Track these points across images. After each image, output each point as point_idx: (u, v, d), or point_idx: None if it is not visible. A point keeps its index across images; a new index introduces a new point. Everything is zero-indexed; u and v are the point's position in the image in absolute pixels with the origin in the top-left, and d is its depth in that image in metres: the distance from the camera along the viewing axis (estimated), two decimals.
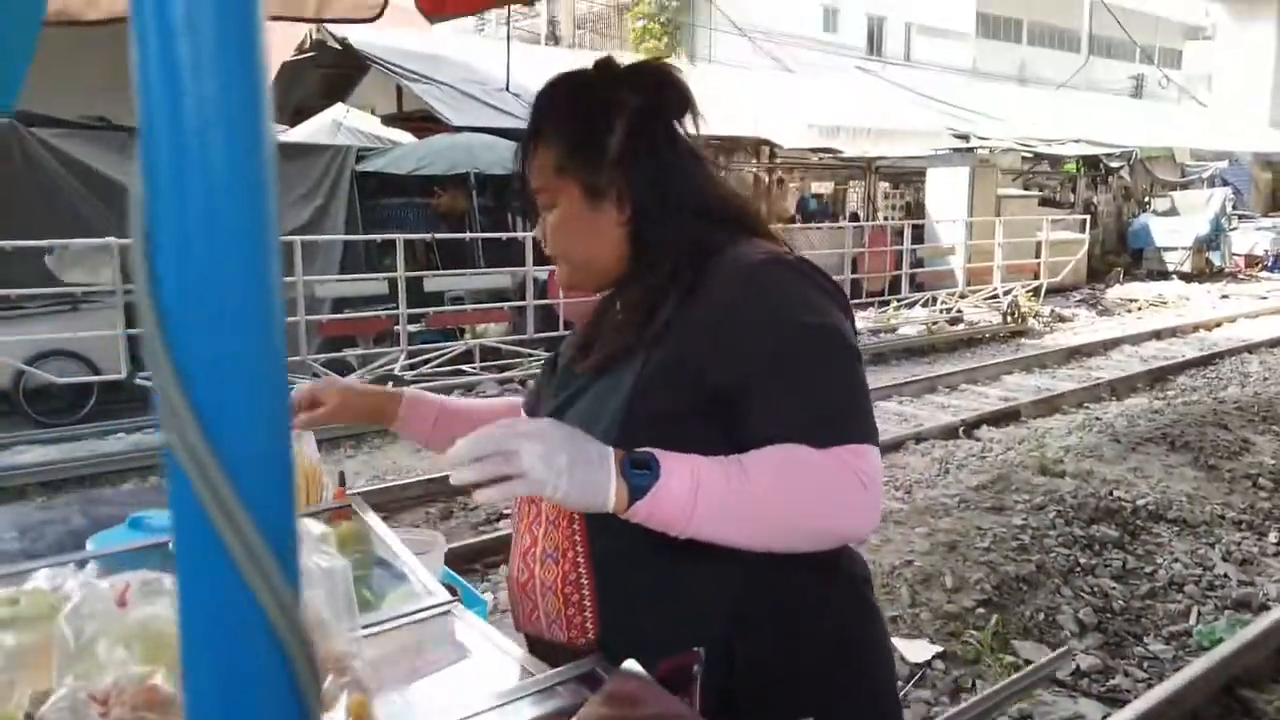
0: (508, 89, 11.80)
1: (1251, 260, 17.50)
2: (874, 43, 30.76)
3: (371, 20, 1.76)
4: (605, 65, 1.21)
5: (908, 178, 17.38)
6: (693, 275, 1.11)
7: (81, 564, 1.52)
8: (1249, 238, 17.63)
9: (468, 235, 9.34)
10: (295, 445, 1.67)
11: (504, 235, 10.08)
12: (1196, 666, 3.31)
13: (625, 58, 1.24)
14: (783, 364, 1.03)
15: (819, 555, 1.06)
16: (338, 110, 11.45)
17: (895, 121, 14.42)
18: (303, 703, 0.25)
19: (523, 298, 9.39)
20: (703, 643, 1.04)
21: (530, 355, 9.12)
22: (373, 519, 1.47)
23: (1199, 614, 3.98)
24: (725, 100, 13.31)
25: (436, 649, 1.26)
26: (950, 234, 13.77)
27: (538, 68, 12.85)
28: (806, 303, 1.07)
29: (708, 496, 0.96)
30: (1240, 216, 18.55)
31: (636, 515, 0.96)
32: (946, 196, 14.14)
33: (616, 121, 1.15)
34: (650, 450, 0.98)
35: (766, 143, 13.13)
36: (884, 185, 16.55)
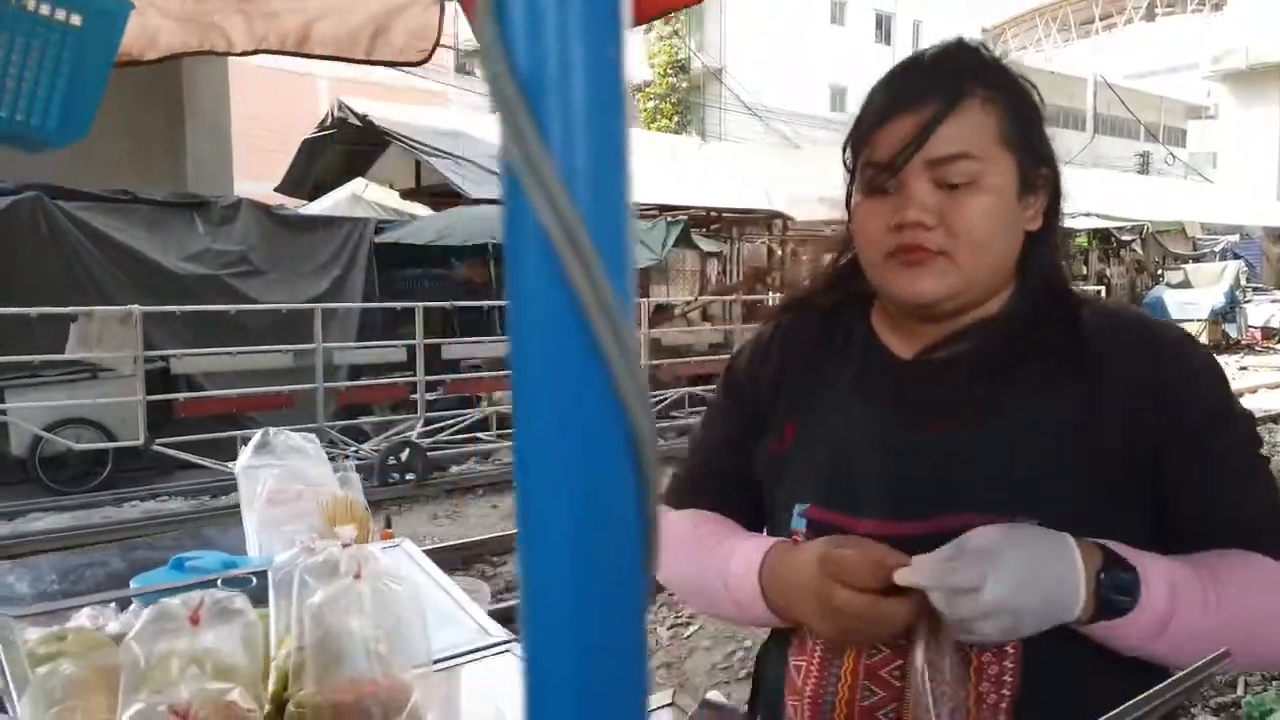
0: None
1: (1268, 333, 17.46)
2: None
3: (419, 64, 1.77)
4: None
5: None
6: (1070, 320, 0.94)
7: (123, 604, 1.49)
8: (1264, 310, 17.62)
9: (486, 303, 9.40)
10: (344, 489, 1.64)
11: None
12: None
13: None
14: (1238, 456, 0.91)
15: None
16: (357, 184, 11.67)
17: None
18: (640, 464, 0.23)
19: None
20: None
21: None
22: (422, 558, 1.42)
23: (1246, 684, 3.85)
24: (737, 175, 13.55)
25: (499, 687, 1.21)
26: None
27: None
28: (1231, 389, 0.95)
29: (1180, 626, 0.81)
30: (1254, 289, 18.59)
31: (1093, 632, 0.82)
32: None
33: (1040, 109, 0.98)
34: (1134, 565, 0.81)
35: (780, 216, 13.29)
36: None
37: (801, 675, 0.96)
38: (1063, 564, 0.79)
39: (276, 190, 13.73)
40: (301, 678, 0.95)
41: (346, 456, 6.87)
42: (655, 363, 10.39)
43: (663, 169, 13.21)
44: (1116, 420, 0.88)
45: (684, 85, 27.31)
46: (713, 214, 13.18)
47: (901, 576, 0.79)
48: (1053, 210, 0.98)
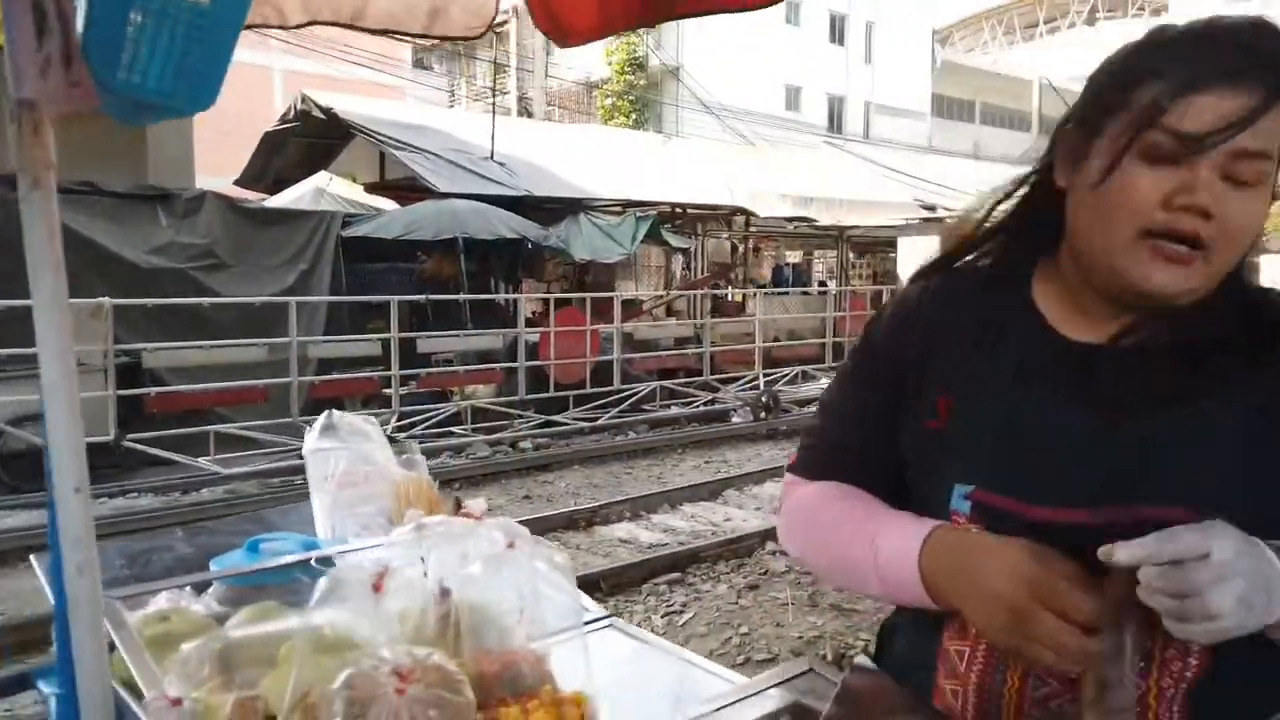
0: (492, 157, 12.04)
1: None
2: (834, 120, 31.74)
3: (477, 38, 1.77)
4: None
5: (874, 247, 17.82)
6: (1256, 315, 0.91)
7: (200, 587, 1.47)
8: None
9: (461, 297, 9.34)
10: (411, 468, 1.63)
11: (502, 297, 10.13)
12: None
13: None
14: None
15: None
16: (321, 178, 11.51)
17: (865, 193, 14.82)
18: None
19: (511, 359, 9.37)
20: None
21: (520, 416, 9.05)
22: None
23: None
24: (700, 171, 13.63)
25: (607, 660, 1.22)
26: None
27: (517, 138, 13.00)
28: None
29: None
30: None
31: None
32: (917, 264, 14.50)
33: None
34: None
35: (744, 212, 13.40)
36: (850, 255, 16.93)
37: (965, 661, 0.94)
38: (1267, 557, 0.76)
39: (236, 184, 13.47)
40: (455, 644, 0.96)
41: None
42: (627, 356, 10.41)
43: (628, 164, 13.24)
44: (1273, 414, 0.86)
45: (642, 83, 27.34)
46: (677, 209, 13.24)
47: (1120, 553, 0.75)
48: None
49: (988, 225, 1.03)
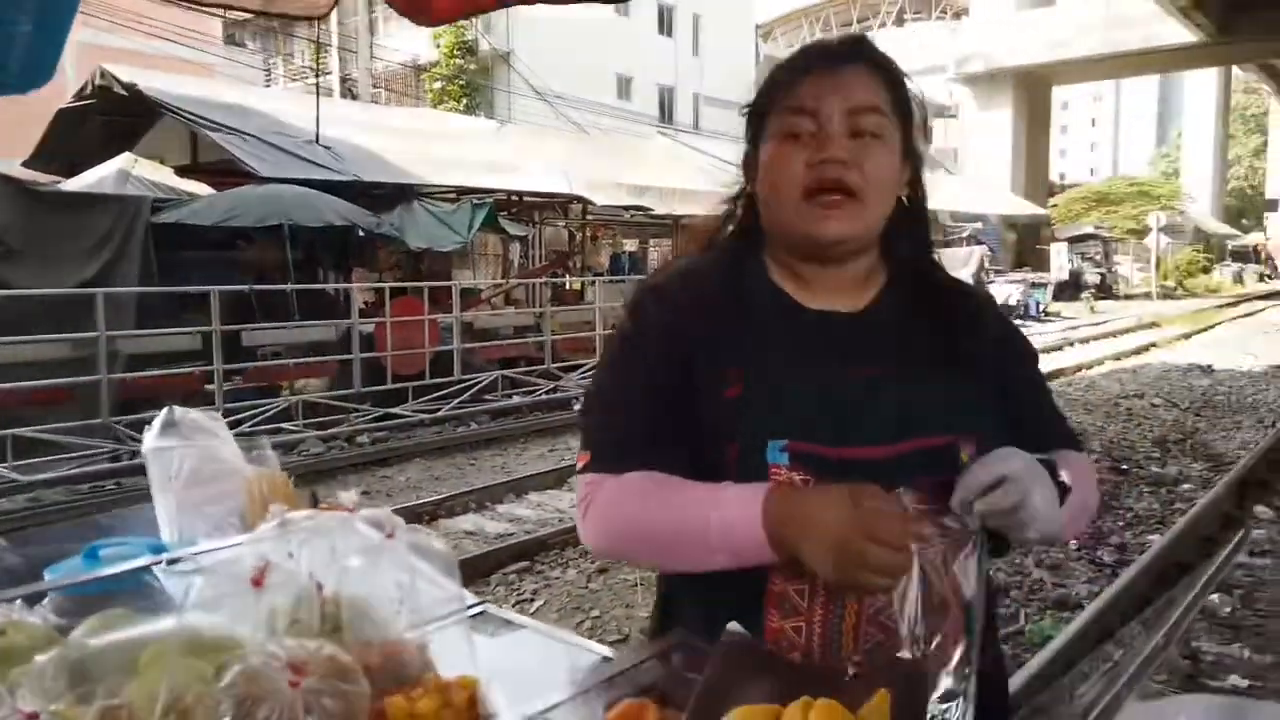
0: (317, 141, 11.50)
1: (1007, 310, 19.64)
2: (665, 111, 32.28)
3: (323, 17, 1.71)
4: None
5: None
6: (937, 276, 1.19)
7: (31, 599, 1.36)
8: (1003, 290, 19.81)
9: (288, 287, 8.90)
10: (262, 464, 1.57)
11: (333, 287, 9.71)
12: (1035, 663, 3.61)
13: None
14: (1044, 383, 1.23)
15: None
16: (125, 160, 10.64)
17: (698, 183, 15.16)
18: None
19: (345, 351, 9.04)
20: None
21: (356, 410, 8.76)
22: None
23: (1026, 615, 4.35)
24: (536, 159, 13.54)
25: (486, 645, 1.23)
26: None
27: (343, 121, 12.40)
28: None
29: (1075, 501, 1.02)
30: (995, 271, 20.82)
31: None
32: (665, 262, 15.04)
33: (920, 103, 1.15)
34: (1053, 461, 1.00)
35: (581, 200, 13.43)
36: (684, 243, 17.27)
37: (807, 599, 1.02)
38: (1048, 482, 0.99)
39: (25, 165, 12.26)
40: (336, 638, 0.94)
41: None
42: (468, 346, 10.25)
43: (462, 150, 12.99)
44: (989, 355, 1.11)
45: (472, 67, 26.85)
46: (514, 197, 13.12)
47: (955, 498, 0.96)
48: (916, 188, 1.15)
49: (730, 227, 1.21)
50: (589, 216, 14.79)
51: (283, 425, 8.16)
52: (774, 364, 1.07)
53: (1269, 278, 39.66)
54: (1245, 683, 3.47)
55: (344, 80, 27.10)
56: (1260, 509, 5.71)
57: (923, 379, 1.06)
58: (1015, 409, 1.11)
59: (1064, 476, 0.99)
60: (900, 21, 50.70)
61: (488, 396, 9.98)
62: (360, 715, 0.77)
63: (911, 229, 1.16)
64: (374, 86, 27.53)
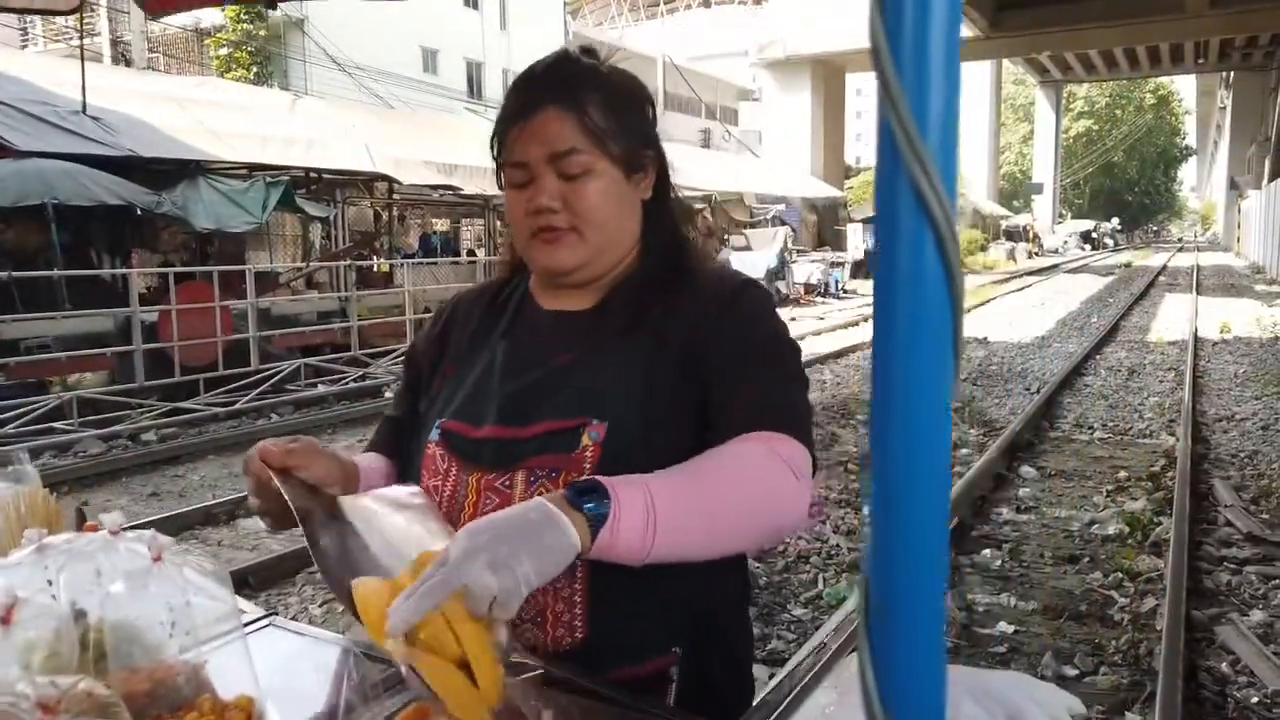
0: (84, 111, 10.47)
1: (809, 288, 20.69)
2: (474, 86, 31.69)
3: (71, 12, 1.56)
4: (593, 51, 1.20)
5: None
6: (682, 267, 1.19)
7: None
8: (805, 269, 20.87)
9: (55, 273, 8.09)
10: (20, 481, 1.43)
11: (109, 272, 8.88)
12: (831, 623, 3.87)
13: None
14: (760, 361, 1.10)
15: None
16: None
17: None
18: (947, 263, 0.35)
19: (125, 342, 8.34)
20: (679, 642, 1.09)
21: (141, 405, 8.11)
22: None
23: (824, 580, 4.63)
24: (336, 134, 12.95)
25: (270, 660, 1.18)
26: None
27: (115, 90, 11.30)
28: (782, 321, 1.18)
29: (666, 517, 0.90)
30: (798, 251, 21.85)
31: (599, 551, 0.87)
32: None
33: (649, 105, 1.20)
34: (596, 479, 0.90)
35: (386, 178, 12.96)
36: (498, 223, 17.09)
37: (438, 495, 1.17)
38: (529, 509, 0.85)
39: None
40: (96, 667, 0.88)
41: None
42: (265, 334, 9.71)
43: (254, 124, 12.22)
44: (676, 348, 1.10)
45: (262, 33, 25.25)
46: (313, 175, 12.49)
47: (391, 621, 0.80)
48: (662, 181, 1.20)
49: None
50: (395, 196, 14.31)
51: (54, 425, 7.45)
52: (477, 359, 1.21)
53: (1036, 254, 43.89)
54: (1012, 628, 3.84)
55: (115, 44, 24.78)
56: (1026, 469, 6.33)
57: (587, 366, 1.12)
58: (710, 395, 1.08)
59: (613, 483, 0.89)
60: (706, 3, 51.96)
61: (290, 387, 9.50)
62: None
63: (657, 224, 1.21)
64: (150, 51, 25.33)
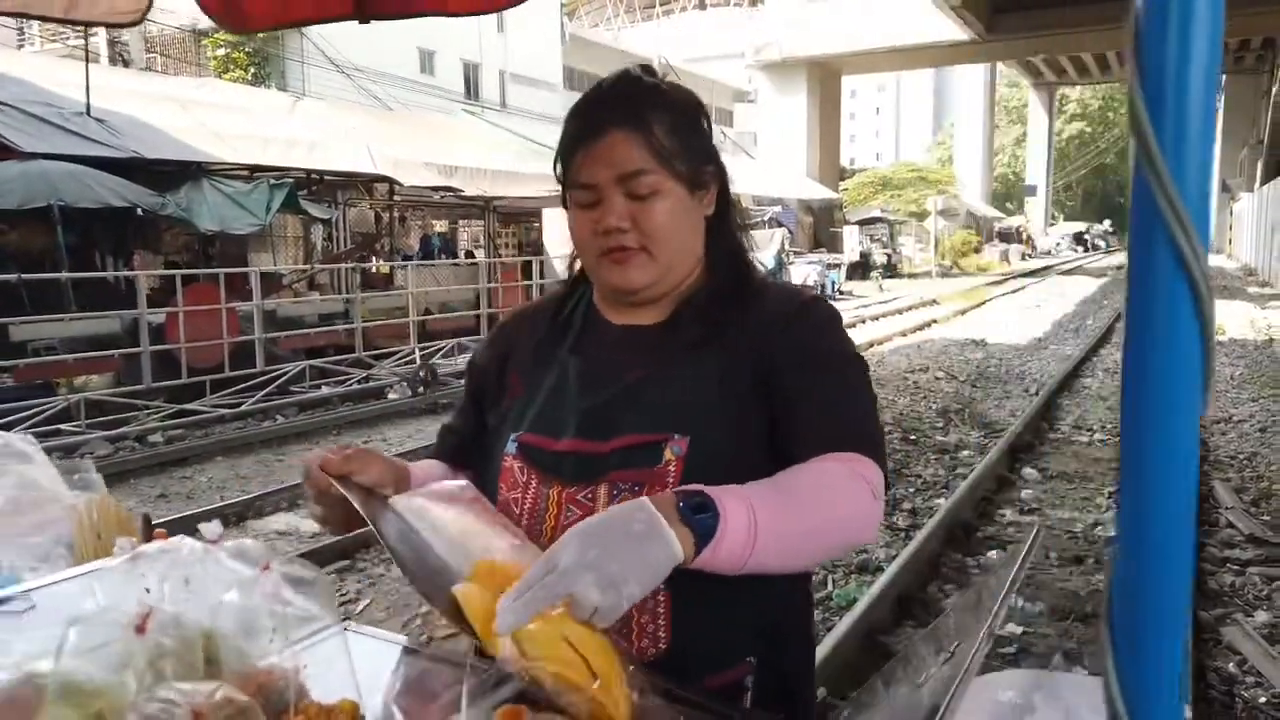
0: (88, 112, 10.48)
1: (806, 289, 20.72)
2: (470, 87, 31.69)
3: (133, 24, 1.61)
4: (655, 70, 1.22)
5: (519, 218, 18.17)
6: (747, 279, 1.20)
7: None
8: (802, 270, 20.92)
9: (63, 275, 8.11)
10: (87, 488, 1.47)
11: (115, 274, 8.89)
12: (843, 624, 3.91)
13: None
14: (834, 380, 1.11)
15: None
16: None
17: (508, 164, 15.03)
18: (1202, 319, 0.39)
19: (133, 343, 8.36)
20: (753, 652, 1.11)
21: (148, 407, 8.13)
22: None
23: (832, 581, 4.68)
24: (337, 136, 12.98)
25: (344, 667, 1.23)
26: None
27: (117, 91, 11.22)
28: (849, 338, 1.19)
29: (766, 529, 0.92)
30: (795, 252, 21.92)
31: (699, 564, 0.88)
32: (564, 235, 15.06)
33: (705, 120, 1.21)
34: (703, 489, 0.92)
35: (387, 180, 12.99)
36: (497, 224, 17.12)
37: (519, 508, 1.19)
38: (633, 513, 0.87)
39: None
40: (209, 671, 0.93)
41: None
42: (270, 336, 9.73)
43: (255, 125, 12.24)
44: (748, 361, 1.12)
45: (260, 35, 25.21)
46: (314, 176, 12.51)
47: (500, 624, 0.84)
48: (724, 196, 1.22)
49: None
50: (396, 197, 14.34)
51: (61, 426, 7.47)
52: (548, 372, 1.22)
53: (1029, 256, 44.02)
54: (1020, 629, 3.90)
55: (113, 44, 24.73)
56: (1028, 471, 6.40)
57: (660, 381, 1.13)
58: (781, 415, 1.10)
59: (719, 495, 0.91)
60: (702, 5, 52.01)
61: (295, 388, 9.53)
62: None
63: (720, 239, 1.22)
64: (148, 51, 25.31)
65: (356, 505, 1.08)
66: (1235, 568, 4.56)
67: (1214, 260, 43.22)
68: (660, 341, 1.17)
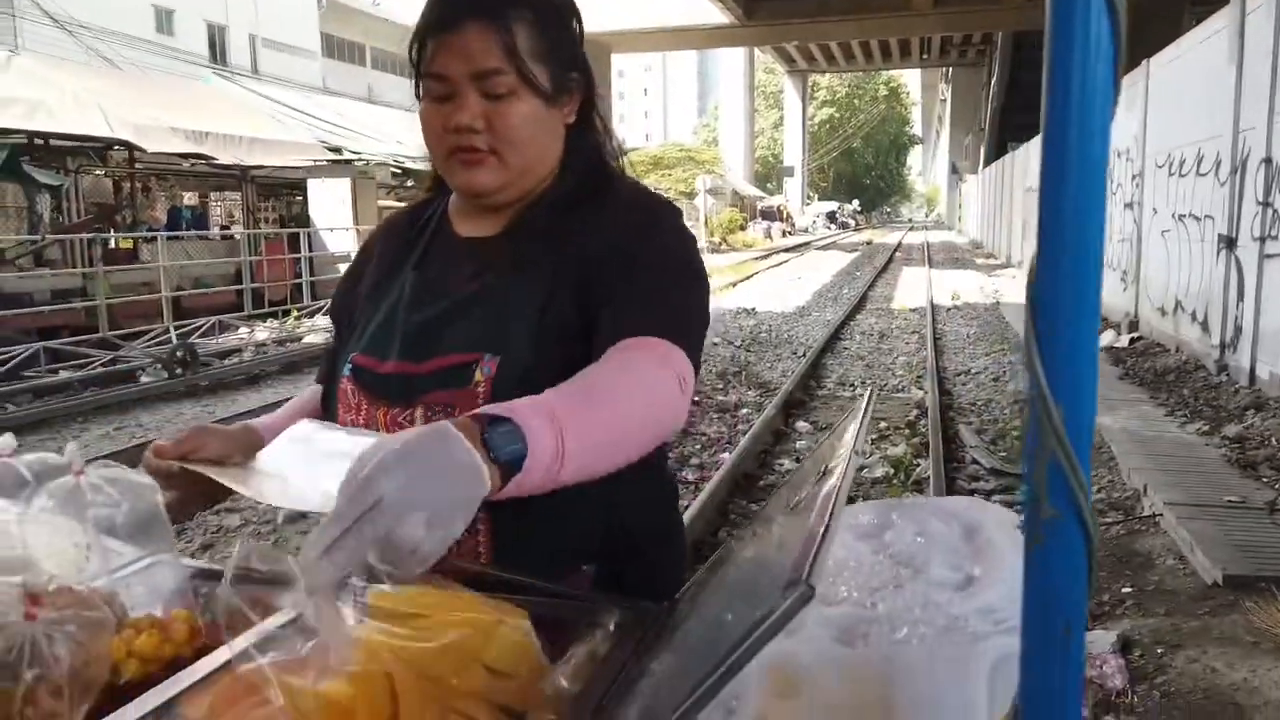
0: None
1: None
2: (217, 51, 29.42)
3: None
4: None
5: (281, 189, 17.10)
6: (600, 188, 1.14)
7: None
8: None
9: None
10: None
11: None
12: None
13: None
14: (655, 276, 1.06)
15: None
16: None
17: (266, 131, 14.06)
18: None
19: None
20: (587, 559, 1.06)
21: None
22: None
23: None
24: (63, 96, 11.59)
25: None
26: (339, 242, 13.99)
27: None
28: (693, 247, 1.13)
29: (575, 442, 0.83)
30: None
31: (507, 494, 0.79)
32: (329, 207, 14.34)
33: (575, 22, 1.13)
34: (508, 411, 0.81)
35: (126, 145, 11.79)
36: (255, 197, 16.03)
37: None
38: (444, 439, 0.75)
39: None
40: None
41: None
42: None
43: None
44: (572, 270, 1.06)
45: None
46: (38, 140, 11.14)
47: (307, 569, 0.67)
48: (587, 105, 1.16)
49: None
50: (138, 165, 13.06)
51: None
52: (390, 289, 1.17)
53: (790, 233, 46.94)
54: None
55: None
56: (801, 424, 6.85)
57: (487, 298, 1.08)
58: (597, 314, 1.04)
59: (524, 417, 0.80)
60: None
61: (27, 374, 8.49)
62: (106, 646, 0.69)
63: (580, 147, 1.17)
64: None
65: (216, 478, 1.01)
66: (980, 496, 5.12)
67: (946, 236, 47.81)
68: (495, 255, 1.12)
